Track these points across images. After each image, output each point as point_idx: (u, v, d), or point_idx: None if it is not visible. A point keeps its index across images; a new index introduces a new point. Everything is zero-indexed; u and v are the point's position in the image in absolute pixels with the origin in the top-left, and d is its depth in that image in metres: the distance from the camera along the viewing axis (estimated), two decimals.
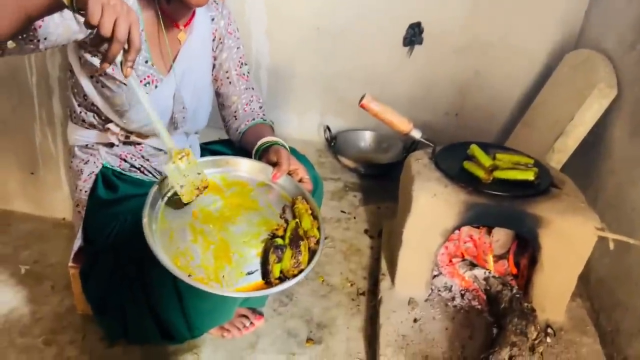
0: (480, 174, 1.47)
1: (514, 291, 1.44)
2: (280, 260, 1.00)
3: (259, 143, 1.30)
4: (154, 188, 1.05)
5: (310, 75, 2.64)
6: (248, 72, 1.46)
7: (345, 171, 2.53)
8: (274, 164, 1.21)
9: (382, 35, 2.45)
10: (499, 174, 1.47)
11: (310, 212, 1.13)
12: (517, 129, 2.28)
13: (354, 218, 2.15)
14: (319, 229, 1.10)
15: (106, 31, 0.79)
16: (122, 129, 1.27)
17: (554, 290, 1.47)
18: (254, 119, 1.43)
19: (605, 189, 1.75)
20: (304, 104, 2.74)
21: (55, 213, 1.93)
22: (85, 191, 1.30)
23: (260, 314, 1.55)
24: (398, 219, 1.65)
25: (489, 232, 1.67)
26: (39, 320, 1.52)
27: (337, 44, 2.52)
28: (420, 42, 2.40)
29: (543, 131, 1.99)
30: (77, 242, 1.34)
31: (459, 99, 2.53)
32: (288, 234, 1.06)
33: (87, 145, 1.31)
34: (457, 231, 1.58)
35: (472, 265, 1.58)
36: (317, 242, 1.07)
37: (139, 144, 1.33)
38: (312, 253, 1.04)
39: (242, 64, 1.43)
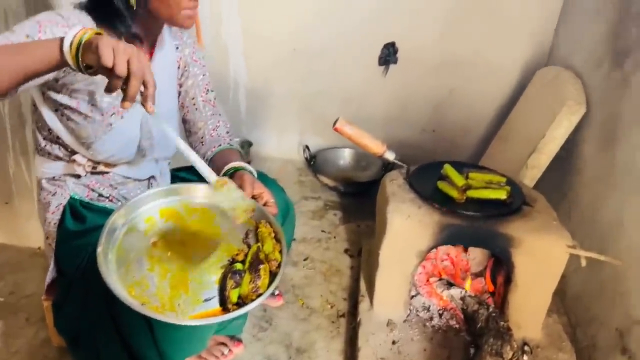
0: (454, 193, 1.49)
1: (490, 310, 1.45)
2: (238, 285, 0.99)
3: (224, 170, 1.31)
4: (112, 217, 1.04)
5: (289, 95, 2.66)
6: (214, 99, 1.47)
7: (326, 190, 2.54)
8: None
9: (358, 55, 2.48)
10: (472, 194, 1.48)
11: (273, 235, 1.12)
12: (492, 145, 2.31)
13: (334, 237, 2.16)
14: (281, 252, 1.09)
15: (122, 70, 0.82)
16: (89, 159, 1.27)
17: (530, 307, 1.48)
18: (220, 145, 1.43)
19: (578, 203, 1.78)
20: (283, 123, 2.76)
21: (31, 242, 1.91)
22: (54, 223, 1.29)
23: (239, 341, 1.53)
24: (375, 239, 1.66)
25: (466, 250, 1.68)
26: (14, 354, 1.50)
27: (314, 64, 2.55)
28: (395, 62, 2.43)
29: (517, 147, 2.02)
30: (50, 274, 1.33)
31: (436, 116, 2.56)
32: (249, 258, 1.05)
33: (54, 177, 1.30)
34: (434, 250, 1.59)
35: (449, 285, 1.58)
36: (279, 266, 1.06)
37: (106, 172, 1.33)
38: (273, 276, 1.03)
39: (208, 90, 1.45)
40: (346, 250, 2.07)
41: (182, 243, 1.09)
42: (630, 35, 1.59)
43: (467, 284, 1.63)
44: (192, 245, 1.09)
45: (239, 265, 1.03)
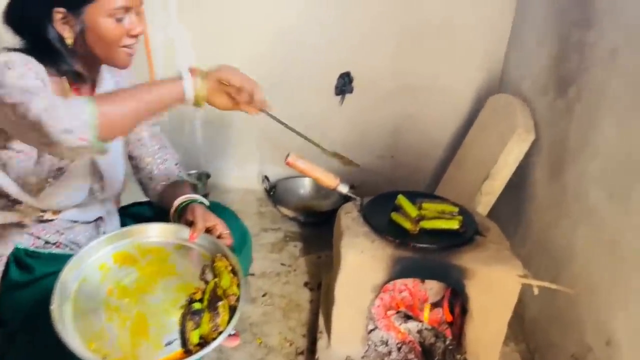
0: (407, 225, 1.48)
1: (447, 342, 1.44)
2: (198, 326, 0.97)
3: (175, 205, 1.29)
4: (62, 272, 1.01)
5: (247, 125, 2.64)
6: (160, 132, 1.45)
7: (286, 220, 2.51)
8: (191, 224, 1.19)
9: (315, 85, 2.49)
10: (425, 224, 1.48)
11: (230, 268, 1.10)
12: (449, 170, 2.33)
13: (294, 270, 2.12)
14: (239, 285, 1.06)
15: (248, 86, 1.09)
16: (35, 208, 1.22)
17: (486, 338, 1.47)
18: (169, 178, 1.41)
19: (532, 229, 1.80)
20: (242, 153, 2.73)
21: None
22: None
23: None
24: (333, 273, 1.63)
25: (423, 281, 1.67)
26: None
27: (271, 94, 2.49)
28: (351, 91, 2.44)
29: (472, 173, 2.04)
30: None
31: (393, 142, 2.58)
32: (206, 296, 1.03)
33: None
34: (391, 282, 1.58)
35: (407, 317, 1.57)
36: (238, 300, 1.03)
37: (52, 219, 1.28)
38: (233, 311, 1.01)
39: (152, 124, 1.43)
40: (306, 284, 2.03)
41: (139, 287, 1.06)
42: (571, 63, 1.64)
43: (426, 315, 1.62)
44: (149, 288, 1.06)
45: (197, 305, 1.01)
